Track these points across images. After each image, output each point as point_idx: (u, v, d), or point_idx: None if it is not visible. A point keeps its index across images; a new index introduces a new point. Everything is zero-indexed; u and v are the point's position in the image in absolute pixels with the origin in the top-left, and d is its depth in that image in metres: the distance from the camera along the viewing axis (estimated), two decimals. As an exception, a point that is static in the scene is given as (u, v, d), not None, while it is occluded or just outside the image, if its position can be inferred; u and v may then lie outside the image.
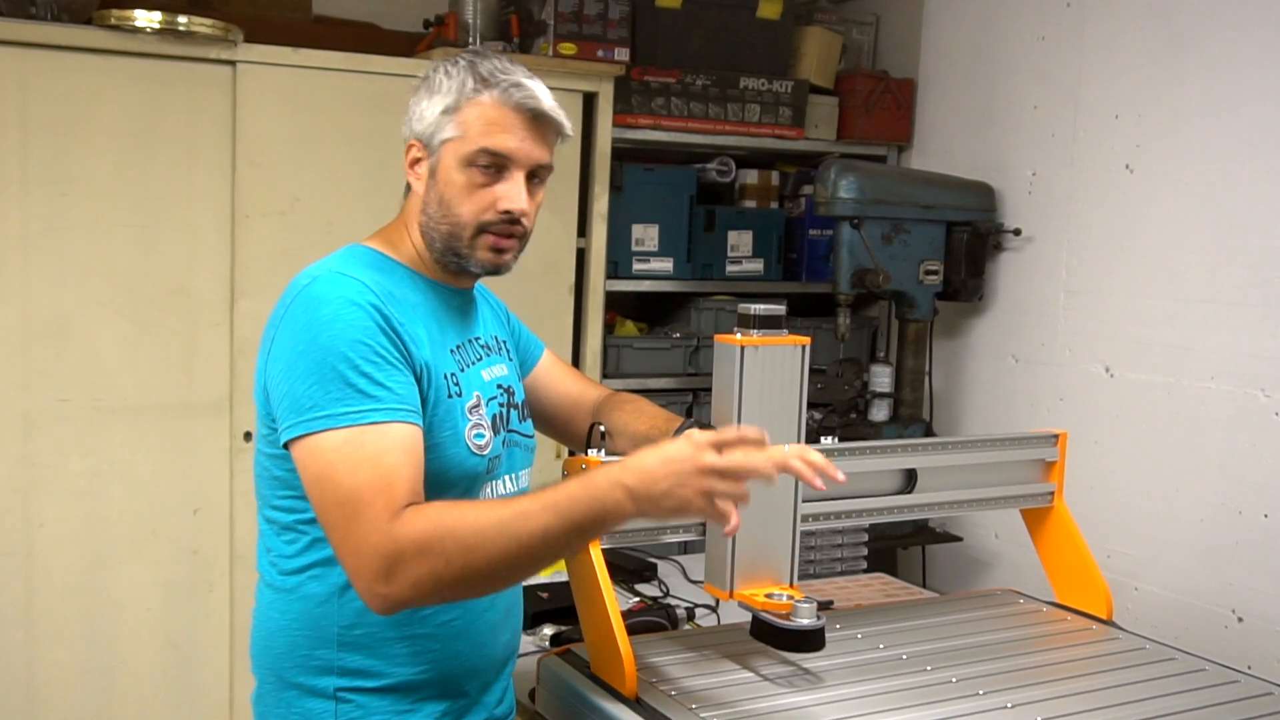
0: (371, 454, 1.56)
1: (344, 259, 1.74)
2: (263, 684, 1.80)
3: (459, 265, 1.77)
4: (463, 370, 1.76)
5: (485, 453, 1.75)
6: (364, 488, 1.54)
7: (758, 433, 1.62)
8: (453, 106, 1.72)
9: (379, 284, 1.68)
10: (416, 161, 1.77)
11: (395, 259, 1.78)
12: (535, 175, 1.77)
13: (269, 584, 1.78)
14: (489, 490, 1.79)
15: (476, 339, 1.85)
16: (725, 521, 1.58)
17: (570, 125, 1.80)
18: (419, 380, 1.66)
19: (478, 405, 1.76)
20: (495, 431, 1.78)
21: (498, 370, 1.86)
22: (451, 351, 1.76)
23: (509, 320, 2.07)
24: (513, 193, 1.72)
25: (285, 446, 1.63)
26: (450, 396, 1.71)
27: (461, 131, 1.71)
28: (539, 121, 1.74)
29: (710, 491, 1.55)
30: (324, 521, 1.58)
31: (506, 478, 1.84)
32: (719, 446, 1.56)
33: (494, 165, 1.72)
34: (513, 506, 1.56)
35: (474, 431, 1.73)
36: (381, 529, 1.52)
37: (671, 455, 1.55)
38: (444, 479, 1.69)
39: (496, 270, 1.78)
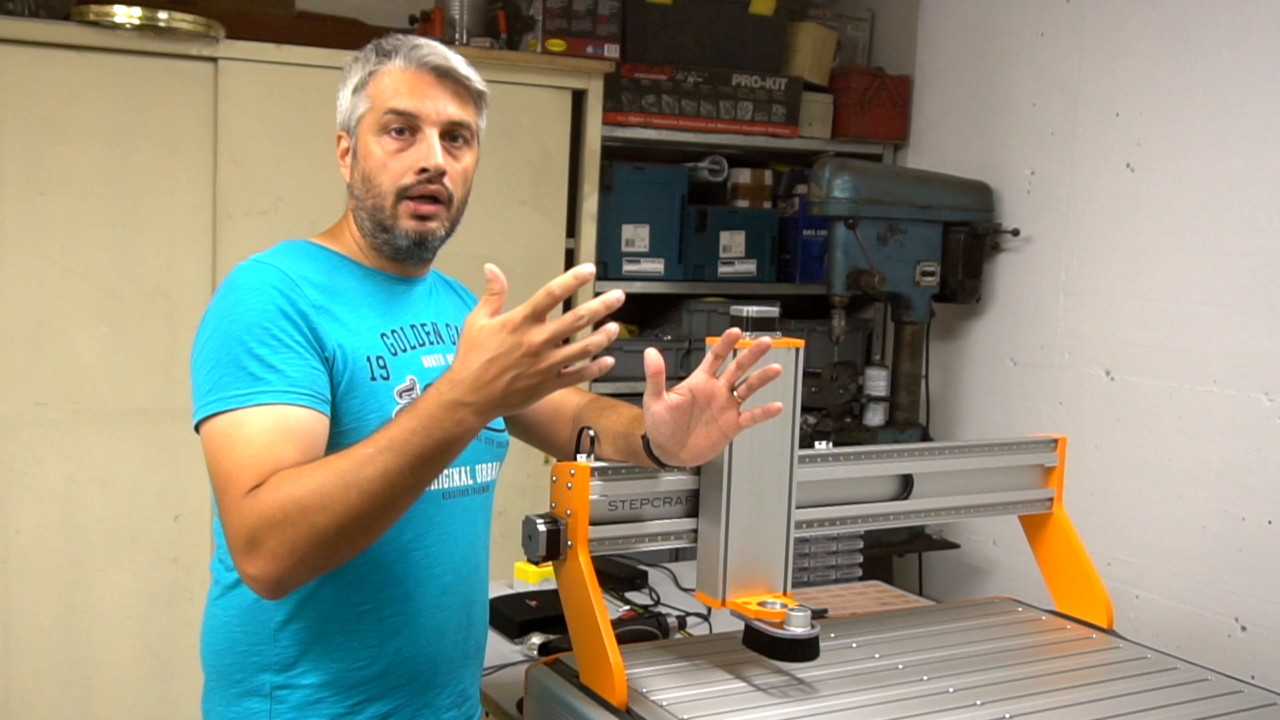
0: (246, 435, 1.56)
1: (274, 250, 1.77)
2: (207, 681, 1.82)
3: (389, 243, 1.77)
4: (394, 354, 1.76)
5: None
6: (232, 470, 1.54)
7: (573, 277, 1.45)
8: (361, 83, 1.76)
9: (300, 271, 1.71)
10: (345, 152, 1.81)
11: (334, 249, 1.81)
12: (455, 138, 1.78)
13: (214, 579, 1.81)
14: (435, 480, 1.75)
15: (420, 325, 1.84)
16: (590, 376, 1.50)
17: (483, 83, 1.81)
18: (330, 363, 1.67)
19: (411, 389, 1.75)
20: None
21: (451, 359, 1.82)
22: (382, 335, 1.76)
23: None
24: (425, 150, 1.73)
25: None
26: (374, 379, 1.71)
27: (371, 103, 1.75)
28: (446, 78, 1.76)
29: (553, 366, 1.45)
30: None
31: (460, 470, 1.82)
32: (536, 316, 1.44)
33: (405, 127, 1.73)
34: (350, 455, 1.50)
35: None
36: (238, 509, 1.51)
37: (495, 354, 1.44)
38: None
39: (423, 241, 1.77)
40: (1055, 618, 2.27)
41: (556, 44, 3.47)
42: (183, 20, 3.01)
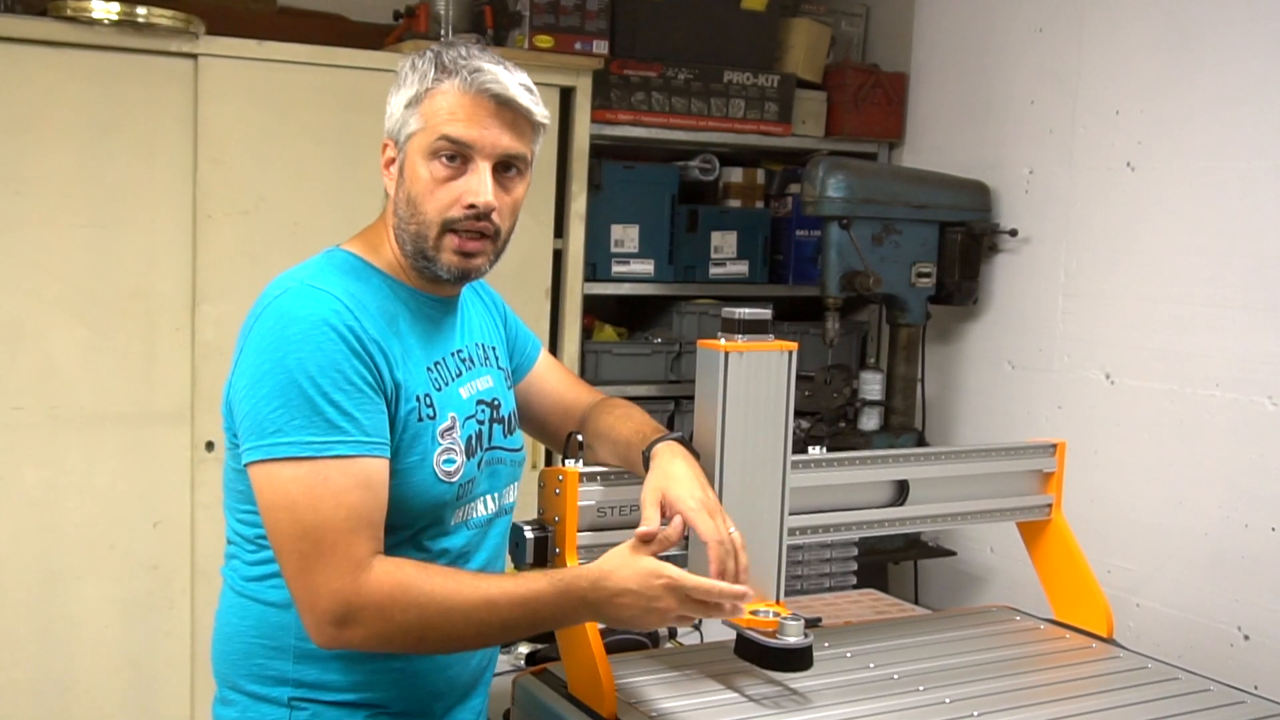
0: (335, 490, 1.56)
1: (320, 268, 1.70)
2: (220, 689, 1.80)
3: (429, 270, 1.72)
4: (438, 390, 1.73)
5: (454, 479, 1.72)
6: (326, 528, 1.55)
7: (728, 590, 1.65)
8: (416, 99, 1.69)
9: (355, 296, 1.65)
10: (390, 162, 1.74)
11: (375, 264, 1.74)
12: (509, 168, 1.71)
13: (230, 586, 1.78)
14: (462, 515, 1.76)
15: (457, 352, 1.81)
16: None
17: (545, 114, 1.74)
18: (389, 402, 1.64)
19: (452, 428, 1.72)
20: (470, 455, 1.75)
21: (481, 383, 1.83)
22: (428, 370, 1.73)
23: (505, 319, 2.03)
24: (475, 184, 1.67)
25: (245, 466, 1.63)
26: (421, 420, 1.69)
27: (423, 123, 1.68)
28: (505, 108, 1.68)
29: (674, 622, 1.68)
30: (279, 550, 1.59)
31: (486, 498, 1.82)
32: (692, 597, 1.62)
33: (457, 155, 1.67)
34: (481, 592, 1.59)
35: (444, 457, 1.70)
36: (344, 576, 1.54)
37: (639, 590, 1.61)
38: (408, 505, 1.67)
39: (465, 275, 1.72)
40: (1054, 626, 2.27)
41: (544, 40, 3.45)
42: (162, 16, 2.99)
